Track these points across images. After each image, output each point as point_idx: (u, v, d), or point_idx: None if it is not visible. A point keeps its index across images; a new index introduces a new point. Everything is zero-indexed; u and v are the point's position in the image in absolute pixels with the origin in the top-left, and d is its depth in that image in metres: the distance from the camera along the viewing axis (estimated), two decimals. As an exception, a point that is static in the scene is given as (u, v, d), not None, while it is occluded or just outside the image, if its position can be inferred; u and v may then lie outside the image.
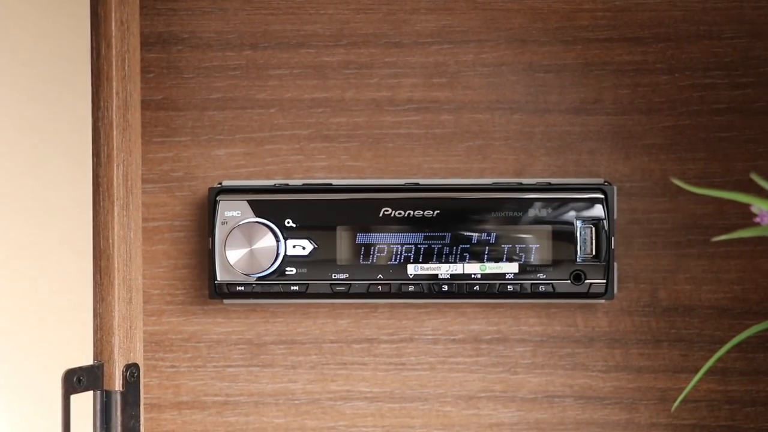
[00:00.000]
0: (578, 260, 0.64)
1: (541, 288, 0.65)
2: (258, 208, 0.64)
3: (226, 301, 0.67)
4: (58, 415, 0.55)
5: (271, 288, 0.65)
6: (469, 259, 0.65)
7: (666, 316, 0.67)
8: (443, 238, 0.65)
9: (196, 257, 0.67)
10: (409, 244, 0.65)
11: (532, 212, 0.64)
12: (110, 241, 0.61)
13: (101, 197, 0.61)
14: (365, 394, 0.67)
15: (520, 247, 0.64)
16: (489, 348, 0.67)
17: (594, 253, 0.64)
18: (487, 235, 0.65)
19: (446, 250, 0.65)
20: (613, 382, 0.67)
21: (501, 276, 0.65)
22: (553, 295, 0.65)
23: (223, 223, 0.65)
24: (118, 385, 0.60)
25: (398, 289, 0.65)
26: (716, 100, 0.67)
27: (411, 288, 0.65)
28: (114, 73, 0.61)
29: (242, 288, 0.65)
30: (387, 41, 0.68)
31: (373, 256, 0.65)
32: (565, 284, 0.65)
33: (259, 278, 0.65)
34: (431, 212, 0.65)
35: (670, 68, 0.67)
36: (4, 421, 0.51)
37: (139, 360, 0.61)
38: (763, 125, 0.67)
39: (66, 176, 0.57)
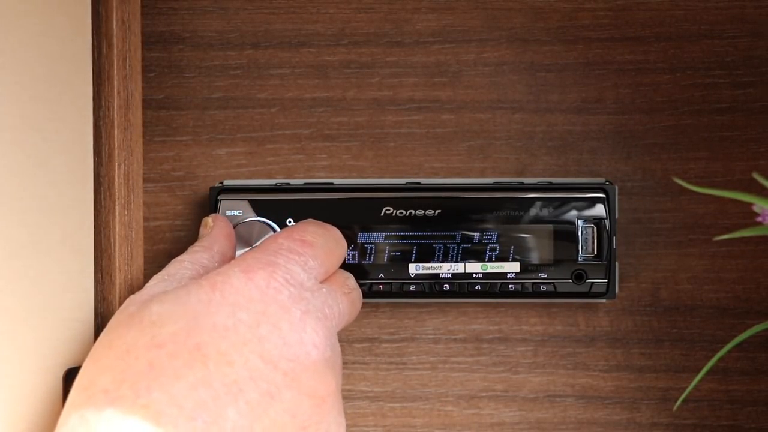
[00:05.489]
0: (579, 260, 0.64)
1: (543, 287, 0.65)
2: (259, 208, 0.64)
3: (227, 300, 0.67)
4: (58, 415, 0.55)
5: (272, 287, 0.65)
6: (470, 259, 0.65)
7: (667, 315, 0.67)
8: (444, 237, 0.65)
9: (197, 256, 0.67)
10: (410, 243, 0.65)
11: (534, 212, 0.64)
12: (111, 240, 0.61)
13: (102, 196, 0.61)
14: (366, 393, 0.68)
15: (521, 247, 0.64)
16: (490, 347, 0.67)
17: (595, 252, 0.64)
18: (488, 235, 0.64)
19: (447, 249, 0.65)
20: (615, 381, 0.67)
21: (502, 275, 0.65)
22: (555, 294, 0.65)
23: (224, 223, 0.65)
24: (119, 384, 0.60)
25: (399, 289, 0.65)
26: (718, 99, 0.67)
27: (412, 287, 0.65)
28: (115, 72, 0.61)
29: (243, 287, 0.65)
30: (388, 41, 0.68)
31: (374, 256, 0.65)
32: (566, 284, 0.65)
33: (261, 278, 0.65)
34: (432, 211, 0.65)
35: (671, 67, 0.67)
36: (4, 420, 0.51)
37: (140, 359, 0.61)
38: (765, 124, 0.67)
39: (67, 175, 0.57)
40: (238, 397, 0.47)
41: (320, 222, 0.59)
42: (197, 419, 0.46)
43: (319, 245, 0.56)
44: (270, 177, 0.67)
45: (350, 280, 0.59)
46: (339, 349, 0.54)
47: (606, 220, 0.64)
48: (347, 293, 0.57)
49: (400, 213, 0.65)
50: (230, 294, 0.50)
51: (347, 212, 0.65)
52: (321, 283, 0.55)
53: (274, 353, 0.49)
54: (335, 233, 0.59)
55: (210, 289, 0.50)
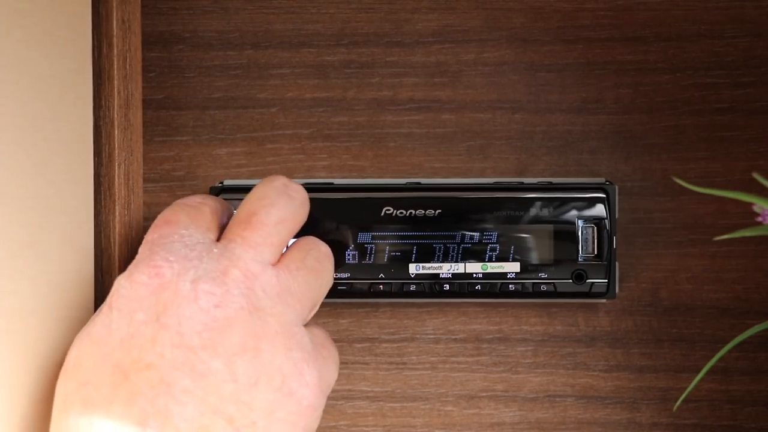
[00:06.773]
0: (580, 260, 0.64)
1: (543, 287, 0.65)
2: (259, 208, 0.64)
3: (227, 300, 0.67)
4: (59, 415, 0.55)
5: (272, 287, 0.65)
6: (470, 259, 0.65)
7: (667, 315, 0.67)
8: (444, 237, 0.65)
9: (197, 256, 0.67)
10: (410, 243, 0.65)
11: (534, 212, 0.64)
12: (111, 240, 0.61)
13: (103, 196, 0.61)
14: (366, 393, 0.67)
15: (521, 247, 0.64)
16: (490, 347, 0.67)
17: (595, 252, 0.64)
18: (488, 235, 0.64)
19: (447, 249, 0.65)
20: (615, 381, 0.67)
21: (502, 275, 0.65)
22: (555, 294, 0.65)
23: (224, 223, 0.65)
24: (119, 384, 0.60)
25: (399, 289, 0.65)
26: (718, 99, 0.67)
27: (412, 287, 0.65)
28: (115, 72, 0.61)
29: (243, 287, 0.65)
30: (388, 41, 0.68)
31: (374, 256, 0.65)
32: (566, 284, 0.65)
33: (261, 277, 0.65)
34: (433, 211, 0.65)
35: (671, 68, 0.67)
36: (3, 420, 0.51)
37: (140, 359, 0.61)
38: (765, 124, 0.67)
39: (67, 175, 0.57)
40: (171, 390, 0.47)
41: (188, 198, 0.57)
42: (146, 428, 0.47)
43: (184, 213, 0.54)
44: (270, 177, 0.67)
45: (300, 251, 0.56)
46: (269, 287, 0.51)
47: (606, 220, 0.64)
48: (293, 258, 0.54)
49: (400, 213, 0.65)
50: (123, 304, 0.50)
51: (347, 212, 0.65)
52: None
53: (183, 334, 0.48)
54: (201, 198, 0.56)
55: (107, 310, 0.51)
